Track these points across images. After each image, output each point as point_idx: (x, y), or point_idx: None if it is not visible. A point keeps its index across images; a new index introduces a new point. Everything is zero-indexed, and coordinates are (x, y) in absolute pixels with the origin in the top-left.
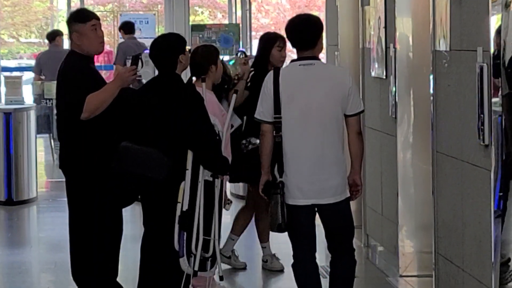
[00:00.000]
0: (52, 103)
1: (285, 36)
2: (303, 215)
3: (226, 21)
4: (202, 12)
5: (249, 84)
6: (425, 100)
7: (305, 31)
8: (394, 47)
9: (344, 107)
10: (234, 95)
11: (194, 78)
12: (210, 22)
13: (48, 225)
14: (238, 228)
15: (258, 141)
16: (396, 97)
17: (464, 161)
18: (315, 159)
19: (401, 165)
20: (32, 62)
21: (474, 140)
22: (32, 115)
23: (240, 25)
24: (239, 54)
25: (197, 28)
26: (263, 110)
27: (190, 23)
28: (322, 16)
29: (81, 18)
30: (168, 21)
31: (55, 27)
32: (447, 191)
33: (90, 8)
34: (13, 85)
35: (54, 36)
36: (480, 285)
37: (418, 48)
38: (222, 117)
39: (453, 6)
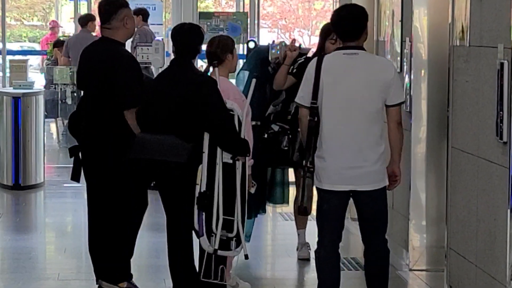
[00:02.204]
0: (60, 89)
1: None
2: (337, 200)
3: (230, 9)
4: None
5: (294, 70)
6: (440, 95)
7: (350, 22)
8: (410, 41)
9: (384, 97)
10: (254, 80)
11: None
12: (214, 9)
13: (56, 211)
14: (301, 221)
15: (277, 127)
16: (411, 91)
17: (480, 157)
18: (354, 146)
19: (414, 159)
20: (35, 46)
21: (492, 137)
22: (41, 99)
23: (248, 13)
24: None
25: (205, 16)
26: (303, 95)
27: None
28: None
29: (126, 3)
30: (175, 8)
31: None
32: (462, 187)
33: None
34: (19, 69)
35: (86, 21)
36: (493, 282)
37: (434, 42)
38: (243, 103)
39: (473, 2)
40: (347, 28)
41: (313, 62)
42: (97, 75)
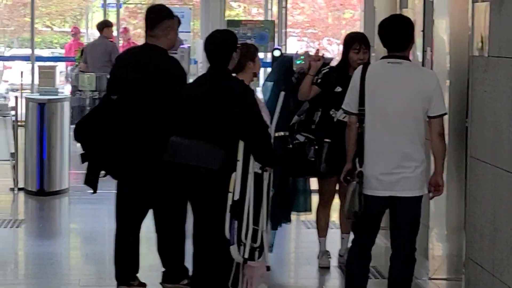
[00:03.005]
0: (85, 95)
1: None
2: (376, 206)
3: (260, 17)
4: (238, 5)
5: (319, 80)
6: (460, 104)
7: (396, 32)
8: (431, 51)
9: (426, 107)
10: (282, 93)
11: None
12: (244, 17)
13: (80, 217)
14: (322, 229)
15: (303, 138)
16: None
17: (498, 167)
18: (393, 153)
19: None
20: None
21: (509, 146)
22: (66, 106)
23: (276, 22)
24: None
25: (233, 23)
26: (349, 102)
27: (226, 18)
28: (356, 16)
29: (171, 14)
30: (203, 16)
31: (90, 18)
32: (480, 196)
33: None
34: (47, 75)
35: (102, 27)
36: None
37: (455, 52)
38: (262, 108)
39: (492, 13)
40: (394, 38)
41: (358, 69)
42: (142, 81)
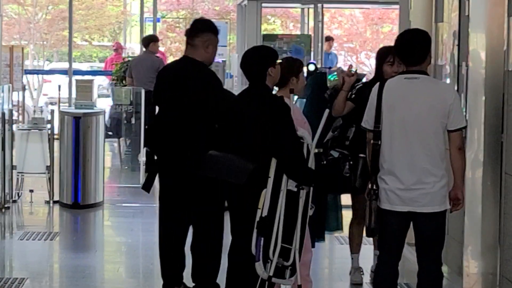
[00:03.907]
0: (121, 109)
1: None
2: (396, 221)
3: (297, 31)
4: (274, 21)
5: (353, 96)
6: (495, 119)
7: (412, 47)
8: (467, 65)
9: (444, 122)
10: (327, 110)
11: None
12: (282, 32)
13: (114, 230)
14: (355, 245)
15: (337, 154)
16: (467, 115)
17: None
18: (412, 169)
19: (470, 184)
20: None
21: None
22: (101, 119)
23: (312, 36)
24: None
25: (269, 38)
26: (367, 119)
27: (262, 32)
28: (395, 30)
29: (216, 31)
30: (240, 30)
31: (128, 32)
32: None
33: (164, 13)
34: (84, 89)
35: (148, 42)
36: None
37: (492, 66)
38: (304, 125)
39: None
40: (410, 53)
41: (376, 86)
42: (178, 93)
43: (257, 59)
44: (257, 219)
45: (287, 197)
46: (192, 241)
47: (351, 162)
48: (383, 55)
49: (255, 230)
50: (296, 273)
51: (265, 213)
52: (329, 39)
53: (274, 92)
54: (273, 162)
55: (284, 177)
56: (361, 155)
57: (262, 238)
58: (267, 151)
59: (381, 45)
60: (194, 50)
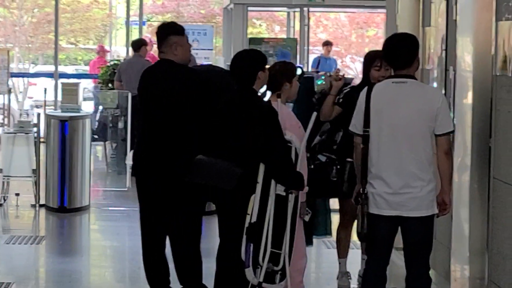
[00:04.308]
0: (107, 112)
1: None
2: (384, 225)
3: (283, 35)
4: (260, 25)
5: (340, 100)
6: (483, 124)
7: (400, 51)
8: (454, 69)
9: (432, 126)
10: (314, 113)
11: (269, 93)
12: (267, 35)
13: (100, 234)
14: (343, 250)
15: (324, 158)
16: (455, 119)
17: None
18: (399, 173)
19: (457, 188)
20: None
21: None
22: (88, 123)
23: (298, 40)
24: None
25: (255, 41)
26: (355, 123)
27: (248, 36)
28: (380, 34)
29: (179, 31)
30: (226, 33)
31: (113, 35)
32: (503, 218)
33: (149, 17)
34: (70, 92)
35: (139, 45)
36: None
37: (479, 71)
38: (298, 129)
39: None
40: (398, 56)
41: (364, 90)
42: (158, 93)
43: (248, 62)
44: (246, 225)
45: (277, 202)
46: (171, 244)
47: (338, 167)
48: (370, 59)
49: (244, 236)
50: (286, 277)
51: (254, 219)
52: (327, 43)
53: (268, 97)
54: (261, 168)
55: (273, 182)
56: (349, 159)
57: (252, 244)
58: (256, 154)
59: (366, 49)
60: (165, 55)
